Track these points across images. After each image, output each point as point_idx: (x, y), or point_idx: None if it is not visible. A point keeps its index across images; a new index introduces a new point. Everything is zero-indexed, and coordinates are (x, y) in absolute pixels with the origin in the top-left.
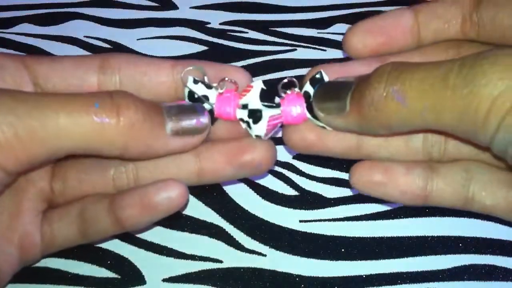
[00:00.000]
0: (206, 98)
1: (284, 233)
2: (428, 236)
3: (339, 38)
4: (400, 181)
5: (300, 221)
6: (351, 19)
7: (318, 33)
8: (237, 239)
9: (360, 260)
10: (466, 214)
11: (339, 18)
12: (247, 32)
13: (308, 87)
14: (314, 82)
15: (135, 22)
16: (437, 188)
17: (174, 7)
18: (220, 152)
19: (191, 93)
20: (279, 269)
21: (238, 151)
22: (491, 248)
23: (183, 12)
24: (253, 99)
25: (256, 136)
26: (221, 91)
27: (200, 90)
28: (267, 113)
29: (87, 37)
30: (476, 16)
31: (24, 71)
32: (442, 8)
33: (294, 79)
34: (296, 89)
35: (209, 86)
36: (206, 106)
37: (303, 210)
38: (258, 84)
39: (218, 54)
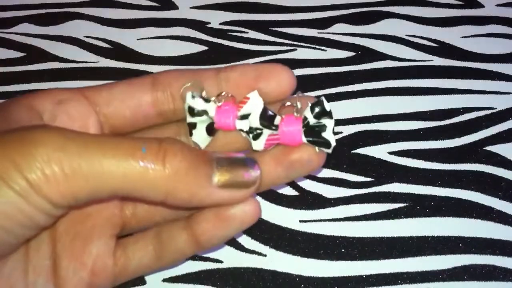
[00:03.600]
0: (205, 112)
1: (284, 233)
2: (428, 236)
3: (339, 38)
4: None
5: (300, 221)
6: (351, 19)
7: (318, 33)
8: (237, 239)
9: (360, 260)
10: (466, 214)
11: (339, 18)
12: (247, 32)
13: (308, 113)
14: (314, 108)
15: (135, 22)
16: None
17: (174, 7)
18: (270, 155)
19: (191, 109)
20: (279, 269)
21: (286, 151)
22: (491, 248)
23: (183, 12)
24: (253, 118)
25: (254, 150)
26: (219, 104)
27: (199, 104)
28: (267, 131)
29: (87, 37)
30: None
31: (85, 101)
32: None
33: (296, 103)
34: (296, 113)
35: (207, 100)
36: (206, 119)
37: (303, 210)
38: (254, 95)
39: (218, 54)
